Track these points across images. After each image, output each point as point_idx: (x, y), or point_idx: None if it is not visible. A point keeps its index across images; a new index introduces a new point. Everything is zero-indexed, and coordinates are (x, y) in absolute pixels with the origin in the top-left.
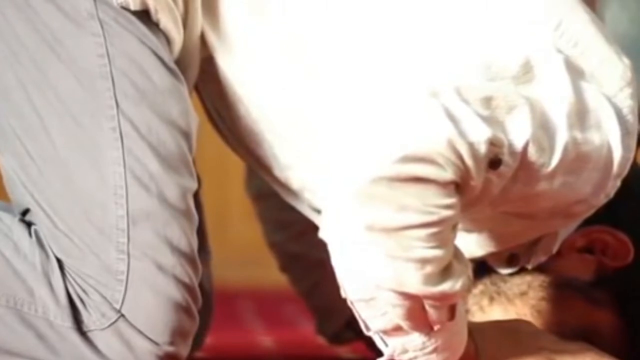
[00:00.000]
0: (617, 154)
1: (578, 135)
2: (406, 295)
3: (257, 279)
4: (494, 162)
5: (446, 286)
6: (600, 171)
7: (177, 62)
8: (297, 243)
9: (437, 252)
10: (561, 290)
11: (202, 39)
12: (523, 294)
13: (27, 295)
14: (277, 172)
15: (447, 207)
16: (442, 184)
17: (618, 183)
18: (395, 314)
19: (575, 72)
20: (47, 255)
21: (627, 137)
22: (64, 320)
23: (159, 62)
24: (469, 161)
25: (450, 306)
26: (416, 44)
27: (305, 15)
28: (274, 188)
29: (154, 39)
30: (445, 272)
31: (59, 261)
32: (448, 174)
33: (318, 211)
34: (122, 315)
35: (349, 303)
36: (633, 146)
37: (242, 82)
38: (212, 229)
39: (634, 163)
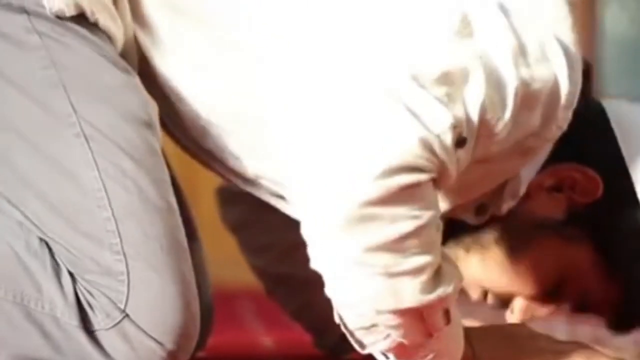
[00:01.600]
0: (564, 86)
1: (526, 75)
2: (405, 312)
3: (257, 279)
4: (460, 142)
5: (440, 291)
6: (548, 103)
7: (123, 56)
8: (281, 264)
9: (429, 258)
10: (535, 232)
11: (136, 39)
12: (498, 240)
13: (35, 292)
14: (231, 163)
15: (432, 205)
16: (425, 185)
17: (569, 115)
18: (397, 335)
19: (513, 13)
20: (56, 259)
21: (571, 69)
22: (71, 319)
23: (106, 60)
24: (441, 153)
25: (445, 310)
26: (360, 22)
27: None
28: (230, 179)
29: (96, 39)
30: (437, 277)
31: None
32: (429, 174)
33: (278, 196)
34: (127, 315)
35: (343, 328)
36: (579, 78)
37: (178, 80)
38: (212, 229)
39: (596, 99)
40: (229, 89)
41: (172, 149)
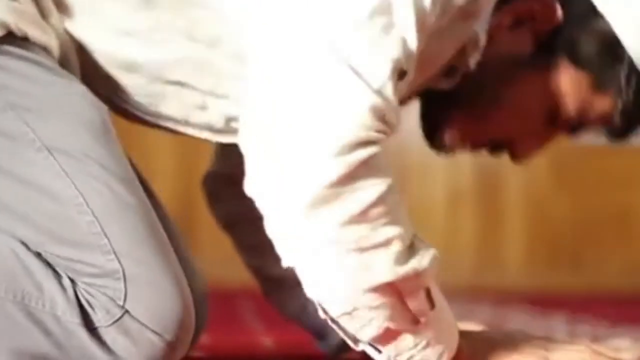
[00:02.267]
0: None
1: None
2: (384, 290)
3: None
4: (401, 76)
5: (415, 262)
6: None
7: (63, 61)
8: (274, 266)
9: (398, 229)
10: (511, 71)
11: (70, 35)
12: (481, 92)
13: (35, 291)
14: (197, 118)
15: (388, 171)
16: (379, 154)
17: None
18: (381, 317)
19: None
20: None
21: None
22: (73, 317)
23: (46, 73)
24: (387, 109)
25: (427, 293)
26: None
27: None
28: (200, 137)
29: (30, 54)
30: (410, 251)
31: None
32: (383, 135)
33: None
34: (127, 311)
35: (331, 323)
36: None
37: (120, 53)
38: (212, 229)
39: None
40: (172, 41)
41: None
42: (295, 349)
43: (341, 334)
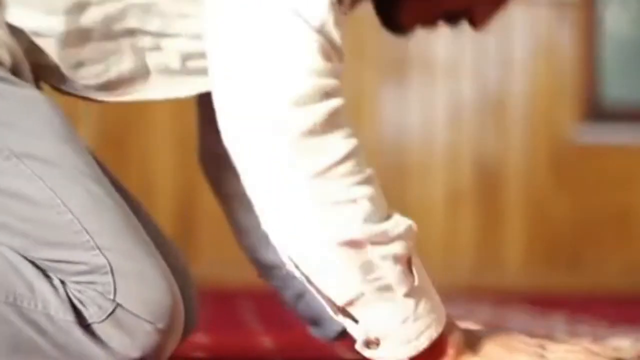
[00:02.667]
0: None
1: None
2: (356, 247)
3: (257, 279)
4: (341, 5)
5: (388, 225)
6: None
7: (16, 68)
8: (268, 251)
9: (368, 188)
10: None
11: (15, 38)
12: None
13: (27, 291)
14: (152, 62)
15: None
16: (342, 101)
17: None
18: (353, 278)
19: None
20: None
21: None
22: (66, 315)
23: (1, 83)
24: (330, 47)
25: (407, 263)
26: None
27: None
28: (158, 97)
29: None
30: (387, 217)
31: None
32: (336, 80)
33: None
34: (118, 304)
35: (308, 285)
36: None
37: (51, 22)
38: (212, 229)
39: None
40: None
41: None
42: (295, 349)
43: (319, 298)
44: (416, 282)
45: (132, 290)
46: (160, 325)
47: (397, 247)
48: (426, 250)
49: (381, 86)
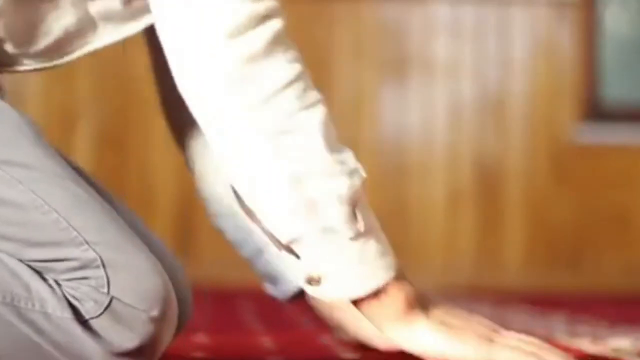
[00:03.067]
0: None
1: None
2: (300, 177)
3: (257, 279)
4: None
5: (336, 159)
6: None
7: None
8: (216, 183)
9: (315, 114)
10: None
11: None
12: None
13: (23, 291)
14: (94, 10)
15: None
16: (283, 21)
17: None
18: (290, 199)
19: None
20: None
21: None
22: (63, 312)
23: None
24: None
25: (354, 205)
26: None
27: None
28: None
29: None
30: (337, 150)
31: None
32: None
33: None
34: (113, 297)
35: (244, 213)
36: None
37: None
38: (212, 230)
39: None
40: None
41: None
42: (295, 349)
43: (263, 234)
44: (362, 226)
45: (124, 281)
46: (154, 313)
47: (343, 186)
48: (426, 250)
49: (381, 86)
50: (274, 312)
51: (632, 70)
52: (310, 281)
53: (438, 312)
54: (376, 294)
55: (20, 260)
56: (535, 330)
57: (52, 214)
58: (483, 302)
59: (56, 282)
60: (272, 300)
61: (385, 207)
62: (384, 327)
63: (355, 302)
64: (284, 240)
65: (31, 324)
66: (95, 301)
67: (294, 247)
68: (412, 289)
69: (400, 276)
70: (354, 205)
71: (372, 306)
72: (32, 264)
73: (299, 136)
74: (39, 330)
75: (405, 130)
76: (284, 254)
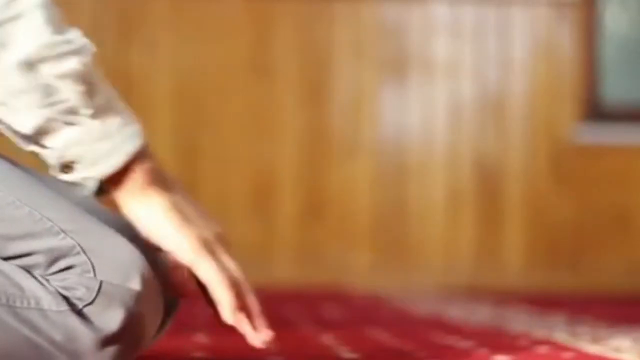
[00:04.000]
0: None
1: None
2: (30, 64)
3: (257, 279)
4: None
5: (60, 39)
6: None
7: None
8: None
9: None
10: None
11: None
12: None
13: (17, 290)
14: None
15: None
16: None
17: None
18: (31, 101)
19: None
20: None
21: None
22: (59, 306)
23: None
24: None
25: (89, 82)
26: None
27: None
28: None
29: None
30: (60, 31)
31: None
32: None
33: None
34: (102, 281)
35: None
36: None
37: None
38: None
39: None
40: None
41: (170, 151)
42: (295, 349)
43: (9, 133)
44: (101, 100)
45: (106, 262)
46: (135, 286)
47: (73, 64)
48: (426, 250)
49: (381, 86)
50: (274, 312)
51: (632, 70)
52: (64, 168)
53: (177, 197)
54: (124, 170)
55: (7, 259)
56: (535, 330)
57: (24, 208)
58: (483, 302)
59: (44, 278)
60: (272, 300)
61: (385, 207)
62: (123, 203)
63: (110, 184)
64: (29, 132)
65: (28, 323)
66: (87, 287)
67: (40, 138)
68: (154, 165)
69: (144, 151)
70: (89, 82)
71: (119, 184)
72: (16, 261)
73: (22, 23)
74: (36, 329)
75: (405, 130)
76: (33, 148)
